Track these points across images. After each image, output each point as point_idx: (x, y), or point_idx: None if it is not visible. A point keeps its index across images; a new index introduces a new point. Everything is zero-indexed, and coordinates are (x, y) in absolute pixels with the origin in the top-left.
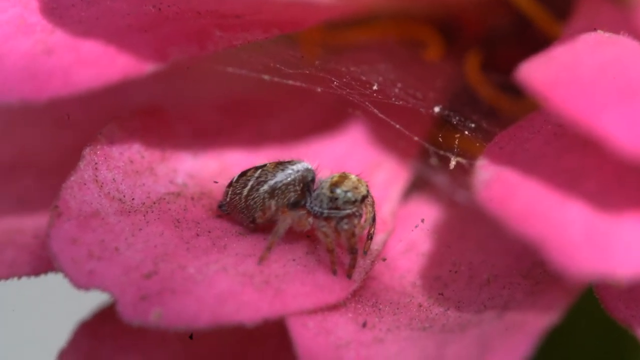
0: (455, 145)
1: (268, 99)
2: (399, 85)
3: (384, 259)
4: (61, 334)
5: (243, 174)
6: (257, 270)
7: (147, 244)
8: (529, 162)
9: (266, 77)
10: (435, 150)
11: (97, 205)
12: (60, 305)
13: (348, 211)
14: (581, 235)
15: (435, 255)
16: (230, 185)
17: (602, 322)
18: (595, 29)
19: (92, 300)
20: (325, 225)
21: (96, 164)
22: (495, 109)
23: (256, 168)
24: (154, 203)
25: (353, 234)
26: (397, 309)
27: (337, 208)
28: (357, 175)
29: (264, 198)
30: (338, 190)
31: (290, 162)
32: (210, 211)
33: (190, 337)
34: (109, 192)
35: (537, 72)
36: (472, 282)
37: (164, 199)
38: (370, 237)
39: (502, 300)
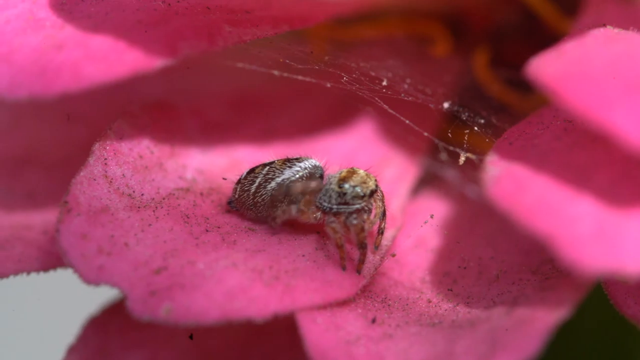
0: (465, 141)
1: (277, 95)
2: (408, 81)
3: (393, 255)
4: (70, 330)
5: (251, 170)
6: (267, 265)
7: (157, 240)
8: (539, 158)
9: (275, 72)
10: (445, 145)
11: (106, 200)
12: (69, 300)
13: (357, 206)
14: (591, 231)
15: (444, 251)
16: (238, 182)
17: (611, 319)
18: (604, 25)
19: (101, 296)
20: (334, 221)
21: (106, 159)
22: (504, 105)
23: (264, 165)
24: (164, 199)
25: (362, 229)
26: (407, 304)
27: (345, 203)
28: (365, 170)
29: (272, 195)
30: (346, 185)
31: (298, 159)
32: (219, 207)
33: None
34: (118, 188)
35: (546, 67)
36: (481, 278)
37: (173, 194)
38: (381, 232)
39: (511, 296)
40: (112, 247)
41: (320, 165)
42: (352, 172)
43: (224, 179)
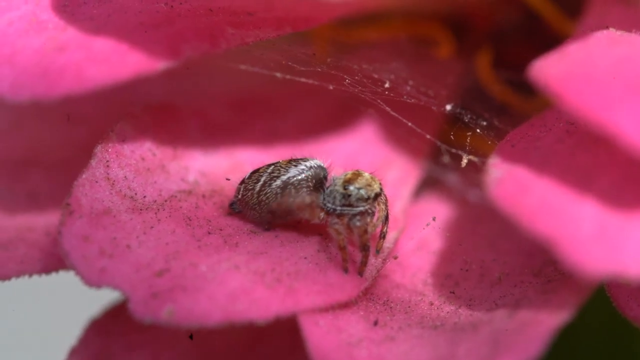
0: (467, 143)
1: (280, 97)
2: (411, 83)
3: (396, 257)
4: (72, 332)
5: (255, 171)
6: (269, 268)
7: (159, 242)
8: (541, 160)
9: (278, 74)
10: (447, 148)
11: (108, 203)
12: (71, 302)
13: (361, 208)
14: (593, 233)
15: (446, 253)
16: (242, 182)
17: (614, 321)
18: (607, 27)
19: (104, 298)
20: (338, 222)
21: (108, 161)
22: (507, 107)
23: (269, 165)
24: (166, 201)
25: (365, 231)
26: (409, 307)
27: (350, 205)
28: (370, 173)
29: (276, 193)
30: (351, 187)
31: (304, 159)
32: (221, 209)
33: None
34: (120, 190)
35: (549, 69)
36: (483, 281)
37: (176, 196)
38: (383, 235)
39: (513, 299)
40: (114, 249)
41: (325, 166)
42: (357, 175)
43: (227, 179)
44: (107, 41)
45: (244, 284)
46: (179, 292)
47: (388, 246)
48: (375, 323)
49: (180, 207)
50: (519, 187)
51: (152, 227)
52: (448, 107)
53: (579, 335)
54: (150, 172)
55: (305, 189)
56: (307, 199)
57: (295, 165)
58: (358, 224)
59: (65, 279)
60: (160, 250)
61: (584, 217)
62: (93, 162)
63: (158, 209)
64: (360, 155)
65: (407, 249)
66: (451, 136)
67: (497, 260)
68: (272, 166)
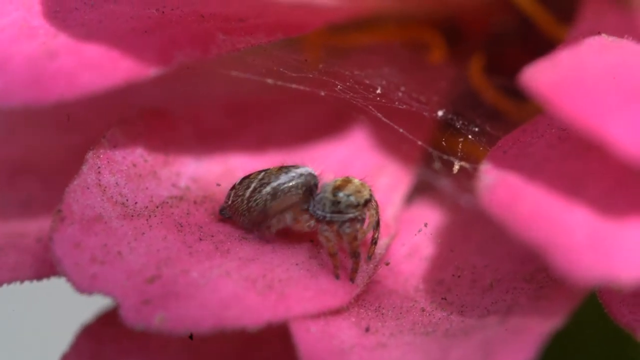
0: (459, 149)
1: (272, 103)
2: (403, 88)
3: (387, 263)
4: (64, 338)
5: (246, 177)
6: (260, 274)
7: (150, 249)
8: (533, 166)
9: (270, 80)
10: (439, 154)
11: (100, 209)
12: (63, 308)
13: (350, 215)
14: (585, 240)
15: (438, 259)
16: (232, 188)
17: (606, 327)
18: (599, 33)
19: (95, 304)
20: (328, 229)
21: (99, 168)
22: (499, 113)
23: (259, 172)
24: (157, 207)
25: (355, 238)
26: (400, 313)
27: (339, 212)
28: (360, 180)
29: (265, 200)
30: (341, 194)
31: (294, 167)
32: (213, 215)
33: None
34: (112, 196)
35: (541, 75)
36: (475, 287)
37: (167, 202)
38: (374, 241)
39: (505, 305)
40: (106, 256)
41: (315, 173)
42: (346, 181)
43: (217, 185)
44: (98, 47)
45: (236, 291)
46: (171, 298)
47: (380, 252)
48: (367, 329)
49: (172, 214)
50: (510, 194)
51: (143, 234)
52: (440, 113)
53: (573, 341)
54: (141, 178)
55: (295, 196)
56: (293, 199)
57: (286, 173)
58: (348, 230)
59: (57, 285)
60: (152, 257)
61: (576, 223)
62: (84, 169)
63: (149, 216)
64: (352, 162)
65: (399, 255)
66: (443, 142)
67: (489, 267)
68: (263, 173)
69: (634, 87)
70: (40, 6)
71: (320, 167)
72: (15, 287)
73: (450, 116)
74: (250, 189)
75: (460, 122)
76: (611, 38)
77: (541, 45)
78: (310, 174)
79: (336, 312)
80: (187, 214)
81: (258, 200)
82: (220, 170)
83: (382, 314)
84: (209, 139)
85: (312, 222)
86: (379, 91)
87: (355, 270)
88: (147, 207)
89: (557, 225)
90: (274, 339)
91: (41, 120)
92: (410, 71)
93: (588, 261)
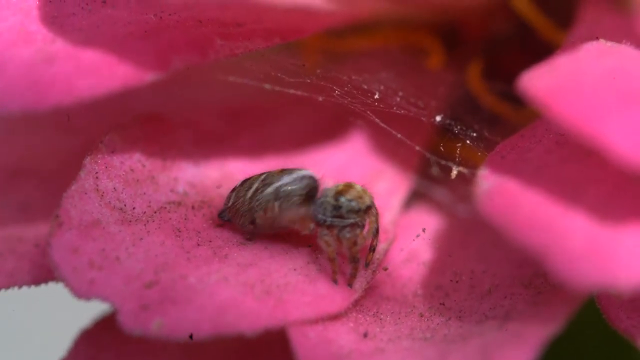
0: (457, 155)
1: (269, 108)
2: (401, 94)
3: (386, 269)
4: (62, 343)
5: (247, 179)
6: (258, 279)
7: (148, 254)
8: (531, 172)
9: (267, 86)
10: (437, 159)
11: (98, 214)
12: (61, 314)
13: (351, 220)
14: (583, 245)
15: (436, 264)
16: (233, 190)
17: (604, 333)
18: (597, 38)
19: (94, 309)
20: (327, 234)
21: (97, 173)
22: (497, 118)
23: (261, 174)
24: (155, 212)
25: (355, 243)
26: (399, 318)
27: (340, 216)
28: (362, 186)
29: (268, 200)
30: (342, 199)
31: (296, 169)
32: (211, 220)
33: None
34: (109, 202)
35: (539, 81)
36: (473, 292)
37: (165, 208)
38: (372, 248)
39: (503, 310)
40: (103, 262)
41: (317, 177)
42: (349, 187)
43: (218, 187)
44: (96, 52)
45: (234, 296)
46: (168, 304)
47: (378, 257)
48: (365, 335)
49: (170, 219)
50: (508, 199)
51: (141, 239)
52: (438, 118)
53: (570, 346)
54: (139, 183)
55: (297, 198)
56: (301, 211)
57: (288, 174)
58: (348, 235)
59: (55, 290)
60: (150, 262)
61: (574, 229)
62: (82, 174)
63: (147, 221)
64: (350, 167)
65: (397, 261)
66: (441, 147)
67: (487, 272)
68: (265, 174)
69: (632, 92)
70: (38, 11)
71: (319, 172)
72: (14, 292)
73: (448, 121)
74: (252, 189)
75: (459, 127)
76: (609, 43)
77: (539, 50)
78: (312, 177)
79: (334, 317)
80: (185, 219)
81: (260, 200)
82: (218, 176)
83: (381, 319)
84: (207, 144)
85: (312, 226)
86: (377, 96)
87: (353, 276)
88: (145, 212)
89: (555, 231)
90: (272, 344)
91: (39, 124)
92: (408, 76)
93: (586, 267)
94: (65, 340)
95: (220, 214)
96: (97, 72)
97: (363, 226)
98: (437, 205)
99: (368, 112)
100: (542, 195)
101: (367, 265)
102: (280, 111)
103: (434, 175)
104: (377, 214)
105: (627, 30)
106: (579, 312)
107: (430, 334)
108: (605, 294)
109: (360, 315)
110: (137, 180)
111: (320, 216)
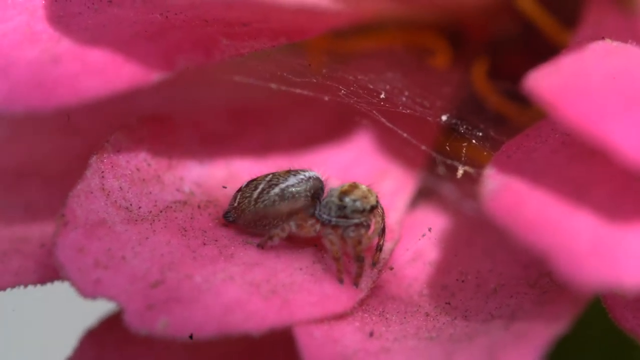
0: (463, 154)
1: (275, 108)
2: (406, 93)
3: (391, 268)
4: (67, 343)
5: (253, 180)
6: (264, 279)
7: (154, 253)
8: (537, 171)
9: (273, 85)
10: (443, 159)
11: (103, 214)
12: (66, 313)
13: (356, 220)
14: (589, 245)
15: (442, 264)
16: (239, 190)
17: (610, 332)
18: (602, 38)
19: (99, 309)
20: (332, 233)
21: (103, 172)
22: (502, 117)
23: (266, 175)
24: (161, 212)
25: (359, 242)
26: (404, 318)
27: (345, 217)
28: (367, 186)
29: (274, 201)
30: (347, 199)
31: (302, 170)
32: (216, 220)
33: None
34: (115, 201)
35: (544, 80)
36: (479, 291)
37: (171, 207)
38: (379, 248)
39: (509, 310)
40: (109, 261)
41: (322, 178)
42: (353, 187)
43: (224, 187)
44: (102, 52)
45: (239, 296)
46: (174, 303)
47: (384, 257)
48: (371, 334)
49: (176, 218)
50: (514, 199)
51: (147, 238)
52: (444, 118)
53: (580, 343)
54: (145, 182)
55: (302, 199)
56: (300, 201)
57: (294, 175)
58: (352, 234)
59: (61, 289)
60: (156, 262)
61: (580, 228)
62: (88, 173)
63: (153, 220)
64: (356, 166)
65: (403, 260)
66: (447, 147)
67: (493, 271)
68: (271, 175)
69: (637, 92)
70: (44, 11)
71: (325, 172)
72: (19, 291)
73: (454, 121)
74: (258, 190)
75: (464, 126)
76: (615, 43)
77: (544, 50)
78: (317, 178)
79: (340, 317)
80: (191, 218)
81: (266, 201)
82: (224, 175)
83: (386, 318)
84: (213, 143)
85: (318, 227)
86: (382, 96)
87: (359, 275)
88: (150, 211)
89: (561, 230)
90: (276, 344)
91: (45, 125)
92: (414, 76)
93: (592, 266)
94: (71, 339)
95: (226, 215)
96: (103, 72)
97: (368, 226)
98: (443, 205)
99: (374, 111)
100: (547, 194)
101: (374, 264)
102: (286, 111)
103: (439, 175)
104: (383, 213)
105: (632, 31)
106: (586, 311)
107: (436, 333)
108: (611, 293)
109: (366, 315)
110: (143, 180)
111: (325, 216)
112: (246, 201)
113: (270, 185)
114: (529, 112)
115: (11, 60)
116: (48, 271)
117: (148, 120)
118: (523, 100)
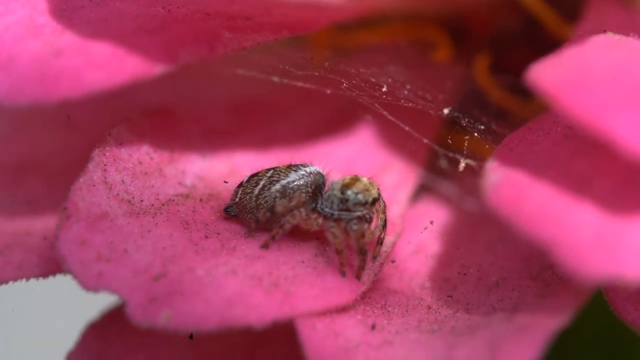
0: (465, 147)
1: (277, 101)
2: (409, 87)
3: (393, 261)
4: (70, 336)
5: (254, 175)
6: (266, 272)
7: (156, 246)
8: (539, 164)
9: (275, 78)
10: (445, 152)
11: (106, 207)
12: (69, 306)
13: (358, 213)
14: (591, 238)
15: (444, 257)
16: (240, 185)
17: (612, 325)
18: (604, 31)
19: (102, 302)
20: (335, 226)
21: (105, 165)
22: (504, 111)
23: (267, 170)
24: (163, 205)
25: (362, 235)
26: (406, 311)
27: (347, 209)
28: (369, 179)
29: (275, 197)
30: (349, 192)
31: (303, 165)
32: (218, 213)
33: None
34: (117, 194)
35: (546, 74)
36: (481, 284)
37: (173, 200)
38: (380, 241)
39: (511, 303)
40: (112, 254)
41: (324, 172)
42: (355, 179)
43: (225, 182)
44: (104, 45)
45: (241, 289)
46: (176, 296)
47: (386, 250)
48: (373, 327)
49: (178, 211)
50: (516, 192)
51: (149, 231)
52: (446, 111)
53: (580, 338)
54: (147, 175)
55: (303, 195)
56: (302, 197)
57: (295, 171)
58: (355, 227)
59: (63, 282)
60: (158, 255)
61: (582, 221)
62: (90, 166)
63: (155, 213)
64: (358, 159)
65: (405, 253)
66: (449, 140)
67: (495, 264)
68: (272, 170)
69: (639, 85)
70: (46, 4)
71: (327, 165)
72: (21, 284)
73: (456, 114)
74: (259, 186)
75: (466, 120)
76: (617, 36)
77: (546, 43)
78: (318, 173)
79: (342, 309)
80: (193, 211)
81: (267, 198)
82: (226, 168)
83: (388, 311)
84: (215, 137)
85: (320, 220)
86: (384, 89)
87: (361, 268)
88: (153, 204)
89: (563, 223)
90: (281, 335)
91: (47, 119)
92: (416, 69)
93: (594, 259)
94: (73, 332)
95: (227, 209)
96: (106, 65)
97: (370, 219)
98: (445, 198)
99: (376, 105)
100: (550, 187)
101: (375, 257)
102: (288, 104)
103: (442, 168)
104: (384, 206)
105: (633, 25)
106: (587, 304)
107: (437, 326)
108: (613, 286)
109: (368, 308)
110: (145, 173)
111: (327, 210)
112: (247, 197)
113: (271, 181)
114: (530, 106)
115: (14, 53)
116: (51, 264)
117: (150, 114)
118: (525, 94)
